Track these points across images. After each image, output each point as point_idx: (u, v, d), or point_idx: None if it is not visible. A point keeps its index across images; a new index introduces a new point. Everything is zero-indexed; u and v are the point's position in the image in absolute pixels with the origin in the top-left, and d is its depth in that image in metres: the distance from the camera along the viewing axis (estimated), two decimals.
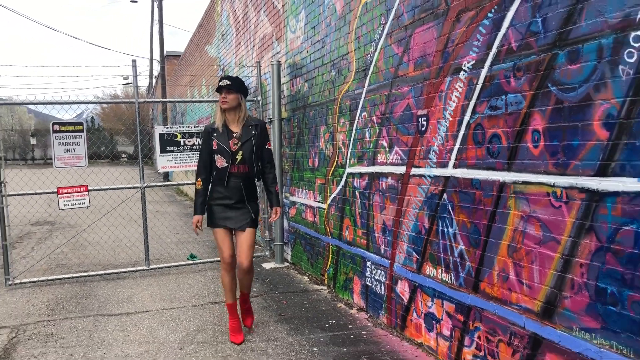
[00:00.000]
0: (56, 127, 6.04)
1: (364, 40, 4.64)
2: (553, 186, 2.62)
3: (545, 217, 2.68)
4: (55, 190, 6.07)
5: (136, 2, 25.81)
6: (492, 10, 3.03)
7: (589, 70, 2.41)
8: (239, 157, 4.05)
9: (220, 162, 4.05)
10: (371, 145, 4.57)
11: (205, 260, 7.07)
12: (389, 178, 4.28)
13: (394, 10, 4.11)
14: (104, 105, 52.41)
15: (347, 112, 5.04)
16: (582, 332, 2.48)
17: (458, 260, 3.41)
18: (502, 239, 3.00)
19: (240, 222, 4.09)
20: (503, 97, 2.96)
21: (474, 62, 3.20)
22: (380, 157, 4.43)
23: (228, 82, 4.02)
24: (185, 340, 4.27)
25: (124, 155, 45.46)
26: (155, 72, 29.78)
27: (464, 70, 3.29)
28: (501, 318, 3.03)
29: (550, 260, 2.66)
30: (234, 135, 4.09)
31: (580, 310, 2.49)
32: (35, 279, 6.19)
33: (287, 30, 6.71)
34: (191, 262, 6.90)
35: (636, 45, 2.19)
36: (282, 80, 6.87)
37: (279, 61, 6.81)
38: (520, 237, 2.86)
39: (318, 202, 5.88)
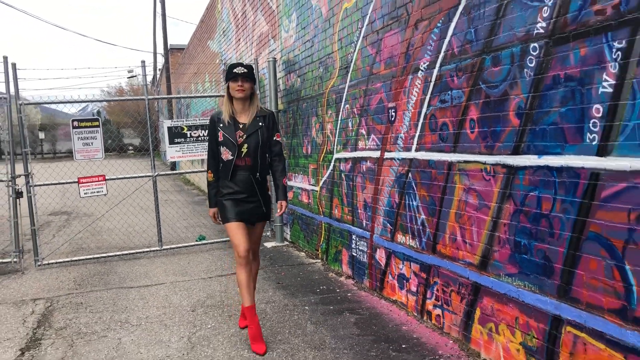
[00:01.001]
0: (75, 123, 6.74)
1: (345, 42, 5.30)
2: (484, 164, 3.30)
3: (480, 188, 3.37)
4: (76, 180, 6.79)
5: None
6: (440, 21, 3.69)
7: (506, 72, 3.07)
8: (244, 149, 3.83)
9: (226, 154, 3.86)
10: (353, 133, 5.25)
11: (213, 240, 7.80)
12: (368, 162, 4.96)
13: (368, 16, 4.76)
14: (108, 97, 53.22)
15: (334, 105, 5.71)
16: (506, 277, 3.18)
17: (420, 228, 4.10)
18: (451, 207, 3.69)
19: (252, 218, 3.95)
20: (449, 92, 3.63)
21: (428, 63, 3.87)
22: (360, 144, 5.11)
23: (245, 70, 3.77)
24: (196, 304, 5.00)
25: (130, 148, 46.18)
26: (160, 65, 30.48)
27: (421, 70, 3.95)
28: (452, 272, 3.73)
29: (484, 223, 3.35)
30: (240, 126, 3.86)
31: (505, 260, 3.18)
32: (60, 260, 6.94)
33: (282, 29, 7.36)
34: (200, 242, 7.64)
35: (534, 53, 2.85)
36: (278, 75, 7.53)
37: (275, 58, 7.47)
38: (463, 206, 3.55)
39: (312, 185, 6.57)
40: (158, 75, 31.57)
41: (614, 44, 2.39)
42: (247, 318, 3.88)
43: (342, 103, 5.46)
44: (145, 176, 7.33)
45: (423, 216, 4.06)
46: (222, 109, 3.91)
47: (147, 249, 7.34)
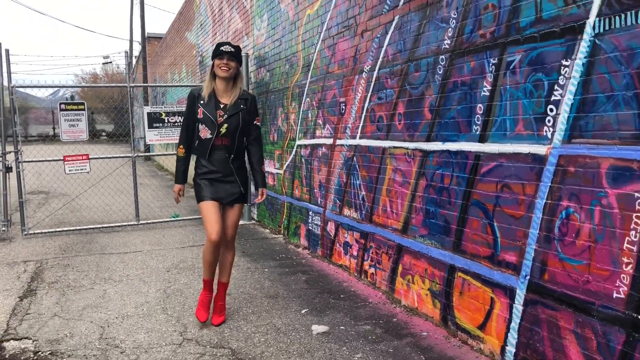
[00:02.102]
0: (62, 106, 7.40)
1: (307, 43, 6.10)
2: (407, 149, 4.16)
3: (403, 168, 4.22)
4: (62, 158, 7.44)
5: None
6: (380, 33, 4.53)
7: (423, 77, 3.93)
8: (223, 129, 3.74)
9: (204, 132, 3.76)
10: (312, 123, 6.07)
11: (186, 217, 8.54)
12: (323, 148, 5.79)
13: (326, 23, 5.58)
14: (84, 84, 52.87)
15: (297, 98, 6.51)
16: (420, 237, 4.04)
17: (361, 202, 4.95)
18: (383, 184, 4.54)
19: (229, 198, 3.85)
20: (384, 91, 4.47)
21: (370, 66, 4.70)
22: (318, 132, 5.93)
23: (232, 49, 3.69)
24: (170, 267, 5.77)
25: (103, 134, 46.03)
26: (136, 52, 30.75)
27: (365, 72, 4.79)
28: (383, 237, 4.58)
29: (405, 196, 4.21)
30: (222, 106, 3.78)
31: (419, 225, 4.05)
32: (45, 230, 7.60)
33: (254, 27, 8.12)
34: (174, 219, 8.37)
35: (442, 63, 3.71)
36: (250, 69, 8.29)
37: (247, 53, 8.23)
38: (392, 183, 4.40)
39: (276, 169, 7.37)
40: (134, 63, 31.83)
41: (491, 59, 3.26)
42: (204, 286, 3.99)
43: (304, 96, 6.27)
44: (126, 156, 8.02)
45: (363, 192, 4.91)
46: (204, 86, 3.81)
47: (125, 223, 8.05)
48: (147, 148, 21.86)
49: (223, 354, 3.48)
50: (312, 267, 5.61)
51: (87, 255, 6.36)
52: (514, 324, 3.11)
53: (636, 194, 2.38)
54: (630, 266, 2.41)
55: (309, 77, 6.09)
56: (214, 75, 3.82)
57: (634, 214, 2.39)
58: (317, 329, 3.84)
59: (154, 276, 5.41)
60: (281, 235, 7.25)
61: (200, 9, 12.34)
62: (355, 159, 5.05)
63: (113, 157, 8.03)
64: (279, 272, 5.45)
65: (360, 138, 4.92)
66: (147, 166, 21.19)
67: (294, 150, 6.68)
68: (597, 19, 2.55)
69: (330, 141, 5.61)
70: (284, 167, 7.05)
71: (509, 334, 3.16)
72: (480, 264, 3.39)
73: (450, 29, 3.63)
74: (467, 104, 3.48)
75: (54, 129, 46.67)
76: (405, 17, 4.14)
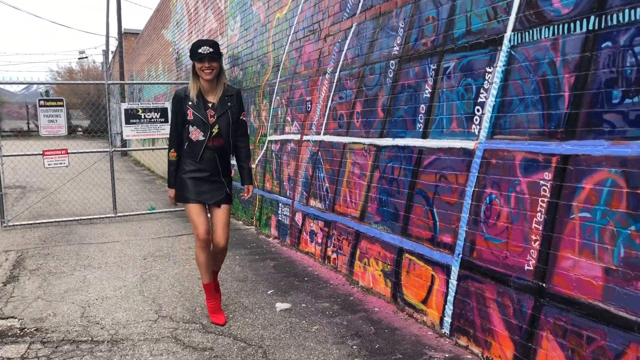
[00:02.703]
0: (42, 102, 7.66)
1: (277, 45, 6.49)
2: (363, 144, 4.59)
3: (361, 162, 4.65)
4: (41, 152, 7.70)
5: None
6: (340, 38, 4.94)
7: (377, 79, 4.36)
8: (215, 130, 3.70)
9: (196, 134, 3.70)
10: (281, 120, 6.46)
11: (162, 210, 8.86)
12: (291, 143, 6.19)
13: (293, 27, 5.97)
14: (59, 79, 52.35)
15: (268, 96, 6.90)
16: (374, 224, 4.48)
17: (325, 193, 5.37)
18: (344, 177, 4.97)
19: (216, 197, 3.80)
20: (344, 92, 4.89)
21: (332, 68, 5.12)
22: (287, 128, 6.33)
23: (211, 50, 3.61)
24: (147, 255, 6.11)
25: (79, 129, 45.63)
26: (112, 48, 30.67)
27: (328, 73, 5.21)
28: (344, 225, 5.01)
29: (362, 187, 4.64)
30: (210, 105, 3.73)
31: (373, 213, 4.48)
32: (24, 222, 7.86)
33: (228, 28, 8.46)
34: (151, 212, 8.69)
35: (392, 67, 4.14)
36: (225, 67, 8.62)
37: (222, 52, 8.57)
38: (351, 175, 4.83)
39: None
40: (110, 58, 31.74)
41: (431, 65, 3.70)
42: (206, 293, 3.97)
43: (274, 95, 6.66)
44: (104, 151, 8.31)
45: (327, 184, 5.33)
46: (189, 87, 3.74)
47: (103, 216, 8.34)
48: (124, 143, 21.96)
49: (194, 328, 3.87)
50: (280, 254, 6.02)
51: (67, 245, 6.66)
52: (450, 297, 3.57)
53: (541, 182, 2.84)
54: (537, 242, 2.87)
55: (279, 77, 6.48)
56: (197, 75, 3.73)
57: (540, 199, 2.85)
58: (281, 306, 4.25)
59: (131, 263, 5.75)
60: (253, 227, 7.64)
61: (176, 7, 12.60)
62: (319, 153, 5.47)
63: (91, 152, 8.30)
64: (249, 259, 5.84)
65: (324, 134, 5.34)
66: (124, 161, 21.31)
67: (265, 145, 7.06)
68: (513, 33, 3.01)
69: (297, 137, 6.01)
70: (256, 161, 7.43)
71: (446, 306, 3.61)
72: (423, 246, 3.83)
73: (399, 37, 4.06)
74: (412, 104, 3.91)
75: (28, 124, 46.10)
76: (362, 24, 4.56)
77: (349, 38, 4.78)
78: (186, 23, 11.57)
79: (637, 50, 2.35)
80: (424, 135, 3.80)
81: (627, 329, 2.40)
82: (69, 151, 7.85)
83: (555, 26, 2.74)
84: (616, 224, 2.45)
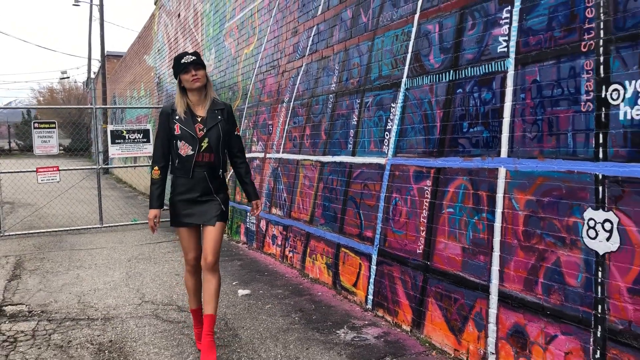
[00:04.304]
0: (36, 124, 8.59)
1: (245, 76, 7.55)
2: (312, 161, 5.64)
3: (310, 175, 5.69)
4: (35, 169, 8.60)
5: (78, 5, 27.49)
6: (294, 74, 6.02)
7: (321, 109, 5.42)
8: (204, 144, 3.51)
9: (185, 149, 3.51)
10: (249, 140, 7.49)
11: (144, 221, 9.79)
12: (257, 160, 7.22)
13: (258, 62, 7.05)
14: (40, 98, 52.91)
15: (238, 120, 7.93)
16: (320, 225, 5.50)
17: (284, 202, 6.40)
18: (298, 188, 6.00)
19: (207, 216, 3.58)
20: (297, 118, 5.95)
21: (288, 98, 6.18)
22: (254, 147, 7.36)
23: (193, 57, 3.48)
24: (131, 258, 7.05)
25: (61, 148, 45.81)
26: (95, 69, 31.54)
27: (285, 102, 6.27)
28: (297, 228, 6.03)
29: (311, 195, 5.67)
30: (199, 119, 3.53)
31: (319, 216, 5.51)
32: (19, 232, 8.73)
33: (205, 58, 9.51)
34: (134, 223, 9.61)
35: (331, 100, 5.21)
36: None
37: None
38: (303, 186, 5.87)
39: None
40: (92, 78, 32.58)
41: (357, 100, 4.78)
42: (194, 319, 3.86)
43: (243, 118, 7.70)
44: (91, 168, 9.24)
45: (285, 195, 6.35)
46: (176, 104, 3.56)
47: (91, 226, 9.24)
48: (105, 160, 22.76)
49: (171, 309, 4.83)
50: (247, 256, 7.01)
51: (59, 251, 7.55)
52: (372, 279, 4.59)
53: (425, 187, 3.90)
54: (424, 232, 3.92)
55: (247, 103, 7.52)
56: (184, 90, 3.56)
57: (424, 200, 3.91)
58: (242, 292, 5.24)
59: (117, 264, 6.68)
60: (225, 234, 8.61)
61: (158, 35, 13.64)
62: (279, 169, 6.50)
63: (81, 169, 9.21)
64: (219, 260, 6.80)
65: (283, 152, 6.38)
66: (106, 179, 22.09)
67: None
68: (407, 78, 4.10)
69: (262, 155, 7.04)
70: (228, 176, 8.42)
71: (369, 287, 4.64)
72: (354, 240, 4.87)
73: (335, 76, 5.14)
74: (345, 129, 4.98)
75: (9, 142, 46.39)
76: (310, 64, 5.65)
77: (300, 74, 5.86)
78: (167, 50, 12.60)
79: (476, 95, 3.44)
80: (353, 154, 4.86)
81: (475, 289, 3.45)
82: (60, 168, 8.76)
83: (432, 76, 3.84)
84: (467, 215, 3.51)
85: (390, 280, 4.33)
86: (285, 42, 6.25)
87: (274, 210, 6.70)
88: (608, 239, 2.62)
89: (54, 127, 8.69)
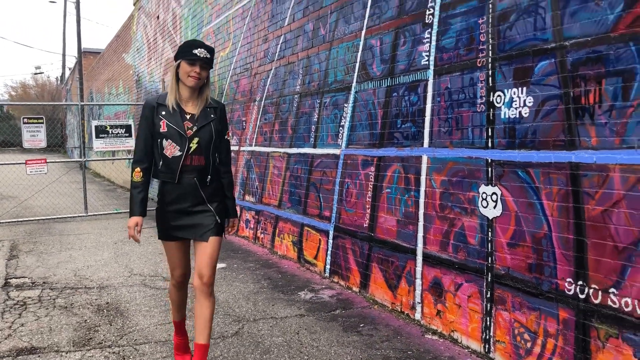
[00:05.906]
0: (25, 120, 9.22)
1: (221, 77, 8.34)
2: (280, 152, 6.47)
3: (278, 165, 6.52)
4: (24, 161, 9.24)
5: (55, 2, 27.72)
6: (265, 76, 6.83)
7: (287, 107, 6.25)
8: (193, 144, 3.04)
9: (171, 149, 3.04)
10: None
11: (126, 211, 10.49)
12: (232, 153, 8.01)
13: (233, 64, 7.84)
14: (13, 93, 52.48)
15: None
16: (287, 209, 6.34)
17: (256, 190, 7.21)
18: (268, 177, 6.83)
19: (200, 230, 3.10)
20: (268, 114, 6.77)
21: (259, 97, 7.00)
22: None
23: (208, 55, 3.01)
24: (117, 241, 7.78)
25: None
26: (70, 64, 31.73)
27: (256, 101, 7.08)
28: (268, 212, 6.85)
29: (280, 183, 6.50)
30: (188, 117, 3.06)
31: (286, 201, 6.35)
32: (8, 220, 9.35)
33: None
34: (117, 212, 10.30)
35: (296, 100, 6.05)
36: None
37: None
38: (273, 174, 6.69)
39: None
40: (67, 74, 32.76)
41: (317, 100, 5.62)
42: (175, 329, 3.45)
43: None
44: (77, 161, 9.91)
45: (257, 183, 7.17)
46: (168, 92, 3.10)
47: (76, 215, 9.91)
48: (83, 157, 23.16)
49: (157, 279, 5.61)
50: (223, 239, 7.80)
51: (50, 236, 8.23)
52: (329, 252, 5.45)
53: (370, 173, 4.77)
54: (369, 209, 4.79)
55: (223, 102, 8.30)
56: (177, 79, 3.06)
57: (369, 183, 4.78)
58: (219, 266, 6.05)
59: (105, 246, 7.41)
60: None
61: (137, 35, 14.27)
62: (252, 160, 7.31)
63: (67, 161, 9.87)
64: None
65: (255, 145, 7.19)
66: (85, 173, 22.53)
67: None
68: (356, 83, 4.96)
69: (237, 148, 7.84)
70: None
71: (327, 258, 5.49)
72: (315, 220, 5.72)
73: (299, 79, 5.98)
74: (307, 125, 5.82)
75: None
76: (278, 68, 6.47)
77: (270, 77, 6.68)
78: (146, 50, 13.25)
79: (407, 98, 4.32)
80: (314, 146, 5.70)
81: (406, 253, 4.33)
82: (47, 160, 9.41)
83: (375, 82, 4.71)
84: (400, 194, 4.39)
85: (344, 251, 5.19)
86: (257, 47, 7.06)
87: (247, 198, 7.51)
88: (495, 207, 3.51)
89: (42, 123, 9.33)
